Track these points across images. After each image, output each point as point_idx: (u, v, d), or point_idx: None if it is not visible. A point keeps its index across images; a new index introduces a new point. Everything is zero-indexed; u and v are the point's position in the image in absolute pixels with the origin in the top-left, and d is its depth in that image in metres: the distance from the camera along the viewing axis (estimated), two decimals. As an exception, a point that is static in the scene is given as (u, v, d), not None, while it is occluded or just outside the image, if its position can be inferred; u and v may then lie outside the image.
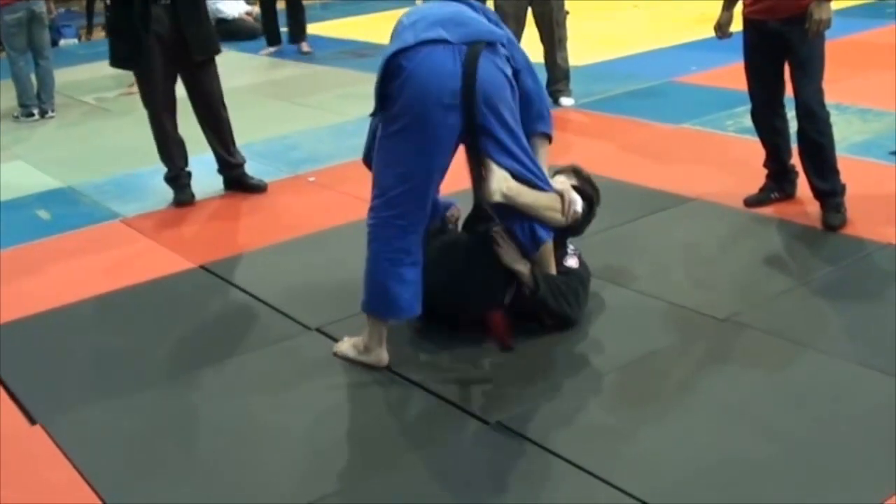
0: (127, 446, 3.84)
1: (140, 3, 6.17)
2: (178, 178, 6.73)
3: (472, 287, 4.38)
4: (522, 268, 4.30)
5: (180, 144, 6.71)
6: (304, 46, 12.27)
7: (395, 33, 4.09)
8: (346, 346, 4.29)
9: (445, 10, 4.10)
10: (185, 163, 6.75)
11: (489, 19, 4.18)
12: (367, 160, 4.35)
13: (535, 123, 4.35)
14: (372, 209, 4.10)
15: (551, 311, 4.37)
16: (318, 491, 3.47)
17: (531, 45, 8.29)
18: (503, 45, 4.09)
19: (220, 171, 6.89)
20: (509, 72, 4.09)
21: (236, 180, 6.88)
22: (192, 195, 6.71)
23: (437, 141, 3.97)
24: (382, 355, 4.19)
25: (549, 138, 4.52)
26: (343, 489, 3.48)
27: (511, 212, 4.22)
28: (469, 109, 3.94)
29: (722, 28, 5.59)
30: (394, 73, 3.92)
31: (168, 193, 6.75)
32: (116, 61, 6.56)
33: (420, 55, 3.88)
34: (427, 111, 3.90)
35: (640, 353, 4.21)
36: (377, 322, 4.18)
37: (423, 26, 3.96)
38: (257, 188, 6.84)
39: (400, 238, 4.06)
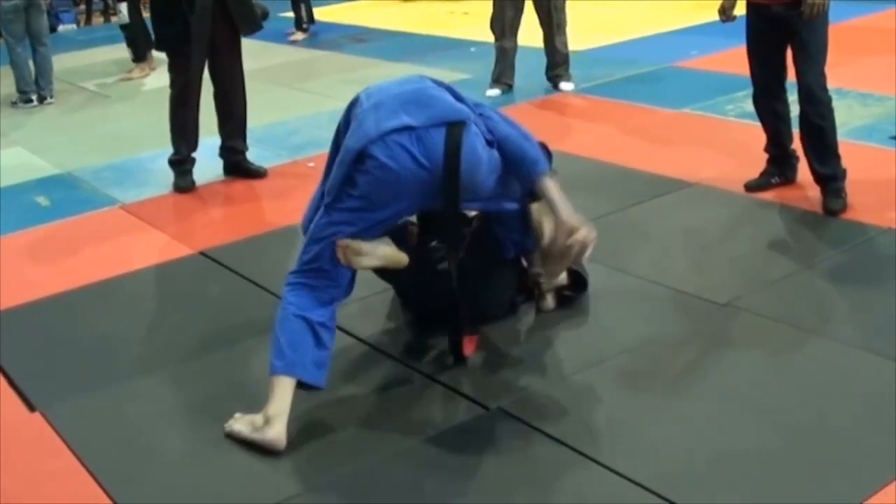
0: (126, 433, 3.84)
1: None
2: (183, 162, 6.72)
3: (491, 301, 4.39)
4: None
5: (196, 129, 6.71)
6: (297, 34, 12.33)
7: (355, 115, 3.82)
8: (240, 423, 3.73)
9: (406, 87, 3.88)
10: (195, 147, 6.75)
11: (453, 93, 3.93)
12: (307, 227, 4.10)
13: (531, 173, 3.94)
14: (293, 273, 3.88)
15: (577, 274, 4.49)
16: (318, 477, 3.47)
17: (531, 30, 8.32)
18: (472, 121, 3.80)
19: (222, 154, 6.89)
20: (485, 149, 3.82)
21: (236, 165, 6.87)
22: (193, 182, 6.70)
23: (385, 226, 3.88)
24: (283, 434, 3.64)
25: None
26: (344, 475, 3.47)
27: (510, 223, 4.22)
28: (451, 196, 3.79)
29: (726, 12, 5.58)
30: (359, 160, 3.70)
31: (168, 179, 6.74)
32: (162, 44, 6.60)
33: (387, 147, 3.65)
34: (387, 203, 3.76)
35: (642, 339, 4.20)
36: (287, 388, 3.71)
37: (386, 112, 3.71)
38: (257, 174, 6.83)
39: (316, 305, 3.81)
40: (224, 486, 3.47)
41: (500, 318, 4.43)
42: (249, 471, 3.53)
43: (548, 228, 4.05)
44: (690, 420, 3.62)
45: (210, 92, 6.72)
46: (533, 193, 4.00)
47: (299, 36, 12.29)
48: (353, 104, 3.91)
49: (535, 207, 4.14)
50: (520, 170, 3.93)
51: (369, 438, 3.69)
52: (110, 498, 3.44)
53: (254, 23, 6.73)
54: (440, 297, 4.06)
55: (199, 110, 6.67)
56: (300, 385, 3.70)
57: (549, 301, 4.51)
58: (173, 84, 6.63)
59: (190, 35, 6.32)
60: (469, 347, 4.13)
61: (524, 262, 4.49)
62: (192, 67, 6.47)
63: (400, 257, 3.96)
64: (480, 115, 3.88)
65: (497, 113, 3.99)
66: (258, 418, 3.65)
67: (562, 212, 3.81)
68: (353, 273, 3.88)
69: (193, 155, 6.75)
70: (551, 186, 3.87)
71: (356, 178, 3.69)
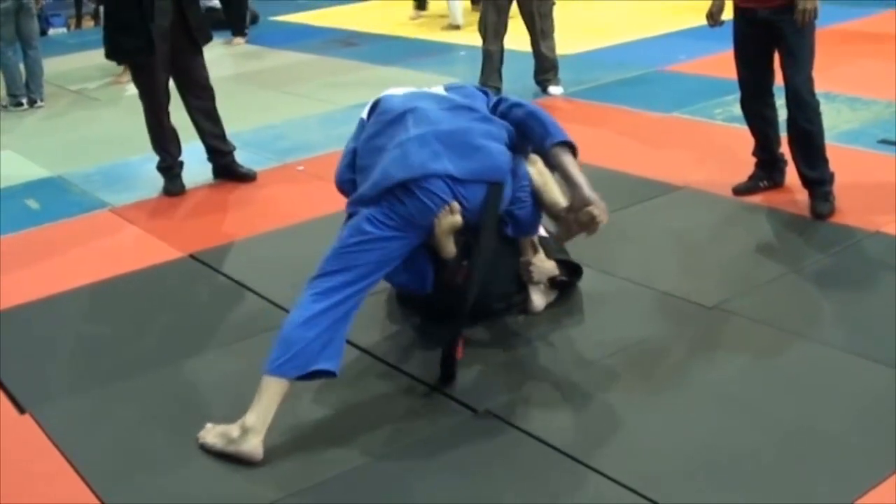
0: (116, 435, 3.84)
1: None
2: (171, 167, 6.73)
3: (496, 292, 4.43)
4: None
5: (175, 135, 6.71)
6: (237, 40, 12.15)
7: (400, 139, 3.89)
8: (213, 434, 3.70)
9: (455, 125, 3.93)
10: (179, 153, 6.75)
11: (489, 100, 4.12)
12: (343, 187, 4.22)
13: (543, 141, 3.93)
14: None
15: (569, 263, 4.62)
16: (307, 479, 3.48)
17: (520, 33, 8.34)
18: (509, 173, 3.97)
19: (210, 158, 6.89)
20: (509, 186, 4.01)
21: (226, 168, 6.88)
22: (183, 186, 6.71)
23: (403, 253, 3.96)
24: (259, 446, 3.61)
25: (568, 147, 3.94)
26: (332, 478, 3.47)
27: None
28: (486, 242, 3.97)
29: (714, 16, 5.60)
30: (398, 189, 3.80)
31: (157, 182, 6.74)
32: (119, 54, 6.59)
33: (427, 189, 3.77)
34: (413, 232, 3.88)
35: (629, 341, 4.22)
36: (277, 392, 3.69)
37: (431, 153, 3.80)
38: (247, 177, 6.84)
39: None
40: (213, 489, 3.48)
41: (500, 314, 4.47)
42: (238, 473, 3.53)
43: (559, 196, 4.16)
44: (678, 422, 3.64)
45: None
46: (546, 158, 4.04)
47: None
48: (394, 119, 3.99)
49: (533, 172, 4.19)
50: (535, 135, 3.98)
51: (357, 440, 3.69)
52: (99, 499, 3.45)
53: (209, 34, 6.73)
54: (449, 293, 4.14)
55: (170, 117, 6.68)
56: (310, 376, 3.71)
57: (538, 301, 4.52)
58: (142, 96, 6.61)
59: (149, 45, 6.29)
60: (459, 352, 4.14)
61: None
62: (157, 76, 6.47)
63: (452, 254, 4.03)
64: (505, 104, 4.07)
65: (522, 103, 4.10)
66: (233, 429, 3.62)
67: (583, 186, 3.82)
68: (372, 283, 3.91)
69: (180, 159, 6.76)
70: (570, 161, 3.88)
71: (392, 203, 3.81)
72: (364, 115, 4.25)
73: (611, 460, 3.42)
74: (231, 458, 3.58)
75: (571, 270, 4.67)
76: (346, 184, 4.17)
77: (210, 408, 3.92)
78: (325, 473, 3.50)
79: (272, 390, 3.64)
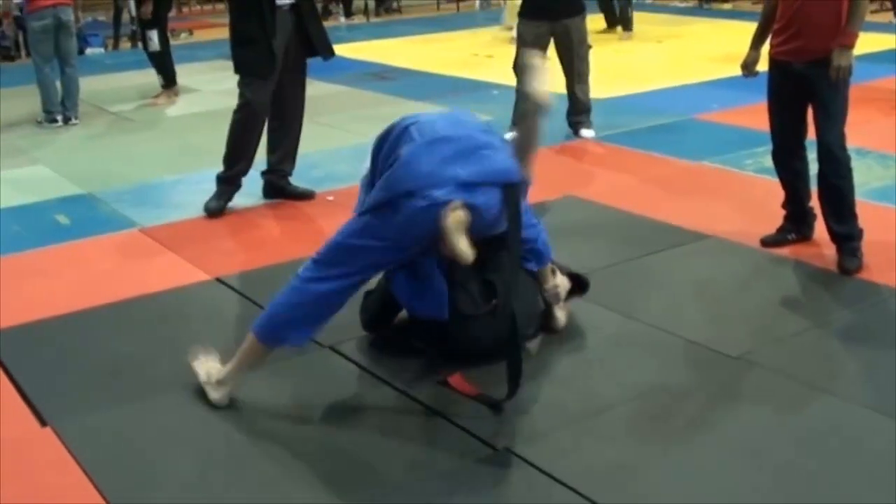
0: (136, 453, 3.86)
1: (268, 11, 6.35)
2: (234, 178, 6.79)
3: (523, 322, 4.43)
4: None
5: (255, 151, 6.80)
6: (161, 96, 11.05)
7: (404, 150, 3.99)
8: (204, 365, 4.25)
9: (459, 132, 4.08)
10: (248, 170, 6.84)
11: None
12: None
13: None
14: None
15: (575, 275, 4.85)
16: (324, 506, 3.48)
17: (552, 76, 8.35)
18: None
19: (267, 175, 6.98)
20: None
21: (281, 189, 6.96)
22: (223, 208, 6.76)
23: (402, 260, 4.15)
24: (226, 398, 4.14)
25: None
26: (348, 506, 3.48)
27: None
28: (513, 250, 4.10)
29: (749, 67, 5.62)
30: (405, 197, 3.86)
31: (187, 204, 6.80)
32: (242, 67, 6.66)
33: (435, 196, 3.82)
34: (417, 241, 3.98)
35: (651, 387, 4.21)
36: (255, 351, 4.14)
37: (440, 160, 3.90)
38: (305, 195, 6.97)
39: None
40: (230, 510, 3.49)
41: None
42: (254, 495, 3.54)
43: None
44: (695, 470, 3.63)
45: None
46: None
47: (162, 99, 10.96)
48: (399, 134, 4.10)
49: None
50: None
51: (373, 471, 3.69)
52: (116, 516, 3.46)
53: (331, 48, 6.86)
54: (481, 340, 4.29)
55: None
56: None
57: (561, 318, 4.68)
58: (245, 105, 6.66)
59: (272, 58, 6.43)
60: (471, 387, 4.16)
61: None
62: (268, 91, 6.57)
63: (468, 256, 3.93)
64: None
65: None
66: (214, 371, 4.17)
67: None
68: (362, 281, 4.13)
69: (242, 179, 6.83)
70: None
71: (398, 210, 3.86)
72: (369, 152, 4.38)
73: (628, 505, 3.42)
74: (261, 473, 3.69)
75: (578, 286, 4.86)
76: None
77: (230, 432, 3.94)
78: (339, 502, 3.50)
79: (250, 348, 4.10)
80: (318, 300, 4.00)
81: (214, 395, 4.11)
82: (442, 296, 4.31)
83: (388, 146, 4.13)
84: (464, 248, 3.84)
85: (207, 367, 4.20)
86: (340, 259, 3.98)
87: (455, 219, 3.82)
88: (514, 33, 13.32)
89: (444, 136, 3.99)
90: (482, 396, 4.07)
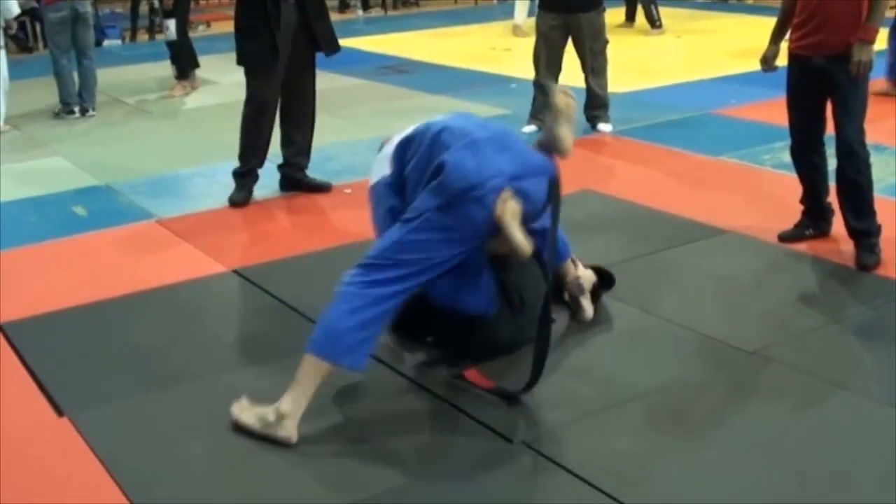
0: (152, 443, 3.87)
1: (271, 4, 6.37)
2: (249, 173, 6.82)
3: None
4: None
5: (268, 144, 6.83)
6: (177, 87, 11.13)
7: (441, 153, 3.96)
8: (248, 414, 3.87)
9: (492, 131, 4.12)
10: (262, 163, 6.86)
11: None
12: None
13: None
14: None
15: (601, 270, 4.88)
16: (337, 500, 3.48)
17: (574, 69, 8.35)
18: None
19: (283, 169, 7.00)
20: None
21: (297, 182, 6.98)
22: (249, 196, 6.80)
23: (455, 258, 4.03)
24: (294, 431, 3.80)
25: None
26: (363, 500, 3.48)
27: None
28: (552, 242, 4.17)
29: (768, 61, 5.59)
30: (459, 197, 3.86)
31: (205, 195, 6.81)
32: (245, 59, 6.67)
33: (489, 190, 3.85)
34: (474, 239, 3.98)
35: (668, 382, 4.20)
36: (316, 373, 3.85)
37: (484, 157, 3.90)
38: (322, 188, 6.98)
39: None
40: (247, 500, 3.50)
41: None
42: (268, 491, 3.55)
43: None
44: (711, 465, 3.62)
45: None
46: None
47: (179, 91, 10.99)
48: (431, 142, 4.07)
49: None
50: None
51: (388, 464, 3.70)
52: (132, 505, 3.47)
53: (335, 43, 6.84)
54: (504, 340, 4.35)
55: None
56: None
57: (588, 309, 4.74)
58: (251, 99, 6.71)
59: (275, 51, 6.44)
60: (488, 381, 4.17)
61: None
62: (273, 84, 6.58)
63: (527, 247, 3.92)
64: None
65: None
66: (269, 413, 3.78)
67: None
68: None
69: (259, 171, 6.85)
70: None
71: (456, 206, 3.85)
72: (386, 153, 4.37)
73: (644, 500, 3.41)
74: (276, 463, 3.67)
75: (604, 281, 4.88)
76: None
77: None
78: (353, 494, 3.51)
79: (310, 370, 3.81)
80: (378, 303, 3.82)
81: (282, 432, 3.76)
82: (491, 289, 4.32)
83: (419, 155, 4.11)
84: (521, 238, 3.86)
85: (253, 413, 3.85)
86: (398, 259, 3.86)
87: (511, 209, 3.85)
88: (516, 22, 13.62)
89: (479, 136, 4.00)
90: (498, 389, 4.08)
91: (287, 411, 3.76)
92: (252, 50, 6.55)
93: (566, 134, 4.13)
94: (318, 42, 6.72)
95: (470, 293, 4.29)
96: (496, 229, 3.86)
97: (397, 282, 3.85)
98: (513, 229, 3.84)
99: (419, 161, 4.11)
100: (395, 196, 4.25)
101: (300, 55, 6.63)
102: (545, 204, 4.06)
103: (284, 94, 6.74)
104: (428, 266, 3.90)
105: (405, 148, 4.25)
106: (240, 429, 3.84)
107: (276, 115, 6.78)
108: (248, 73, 6.70)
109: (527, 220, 3.94)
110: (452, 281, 4.16)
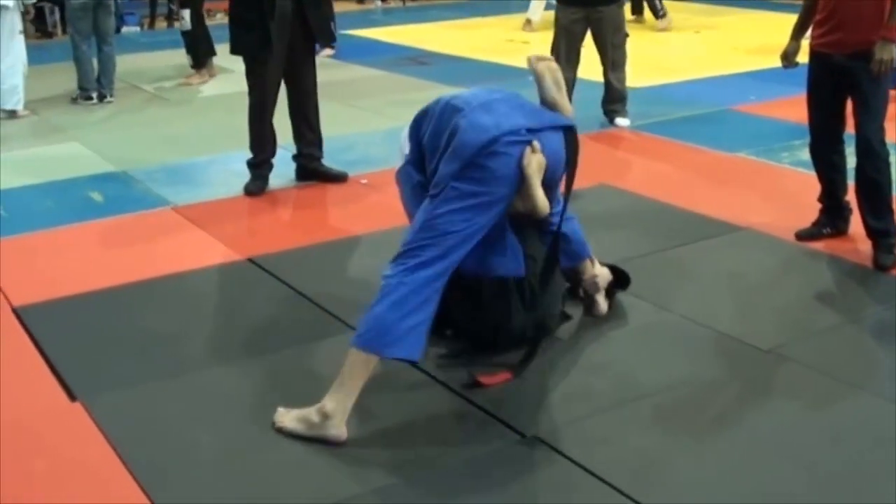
0: (164, 429, 3.87)
1: None
2: (262, 164, 6.82)
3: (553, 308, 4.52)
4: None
5: (273, 136, 6.82)
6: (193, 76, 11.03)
7: (457, 121, 3.95)
8: (291, 418, 3.80)
9: (503, 93, 4.22)
10: (273, 153, 6.86)
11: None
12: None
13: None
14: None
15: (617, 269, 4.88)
16: (349, 490, 3.48)
17: (592, 62, 8.33)
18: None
19: (297, 159, 7.00)
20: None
21: (313, 172, 6.97)
22: (265, 185, 6.80)
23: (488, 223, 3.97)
24: (343, 429, 3.74)
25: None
26: (374, 490, 3.48)
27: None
28: (568, 190, 4.23)
29: (789, 57, 5.56)
30: (480, 155, 3.84)
31: (220, 183, 6.80)
32: (240, 49, 6.68)
33: (509, 144, 3.86)
34: (502, 197, 3.92)
35: (682, 379, 4.19)
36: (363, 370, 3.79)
37: (499, 114, 3.95)
38: (337, 178, 6.97)
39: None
40: (257, 487, 3.50)
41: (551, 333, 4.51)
42: (278, 479, 3.55)
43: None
44: (724, 463, 3.61)
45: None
46: None
47: (196, 79, 10.94)
48: (442, 111, 4.10)
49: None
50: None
51: (400, 456, 3.70)
52: (143, 490, 3.47)
53: (330, 35, 6.87)
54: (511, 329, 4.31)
55: (274, 117, 6.79)
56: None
57: (603, 305, 4.73)
58: (252, 91, 6.73)
59: (269, 42, 6.43)
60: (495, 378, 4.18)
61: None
62: (270, 75, 6.57)
63: (545, 205, 3.97)
64: None
65: None
66: (312, 414, 3.73)
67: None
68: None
69: (272, 160, 6.85)
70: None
71: (476, 169, 3.84)
72: (404, 134, 4.38)
73: (656, 496, 3.40)
74: (287, 451, 3.68)
75: (619, 280, 4.88)
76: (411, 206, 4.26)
77: (258, 410, 3.93)
78: (365, 485, 3.51)
79: (357, 365, 3.75)
80: (422, 289, 3.75)
81: (332, 431, 3.70)
82: (517, 250, 4.30)
83: (432, 125, 4.12)
84: (542, 195, 3.89)
85: (294, 416, 3.79)
86: (433, 239, 3.79)
87: (537, 161, 3.87)
88: (530, 17, 13.63)
89: (490, 98, 4.06)
90: (515, 371, 4.16)
91: (332, 410, 3.70)
92: (244, 39, 6.56)
93: (561, 99, 4.20)
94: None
95: (497, 257, 4.23)
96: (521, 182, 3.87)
97: (437, 261, 3.80)
98: (535, 184, 3.85)
99: (434, 129, 4.11)
100: (417, 172, 4.25)
101: (298, 47, 6.61)
102: (561, 158, 4.06)
103: (287, 86, 6.75)
104: (464, 237, 3.84)
105: (419, 122, 4.27)
106: (285, 434, 3.77)
107: (275, 106, 6.76)
108: (245, 65, 6.71)
109: (547, 178, 3.96)
110: (477, 248, 4.00)
